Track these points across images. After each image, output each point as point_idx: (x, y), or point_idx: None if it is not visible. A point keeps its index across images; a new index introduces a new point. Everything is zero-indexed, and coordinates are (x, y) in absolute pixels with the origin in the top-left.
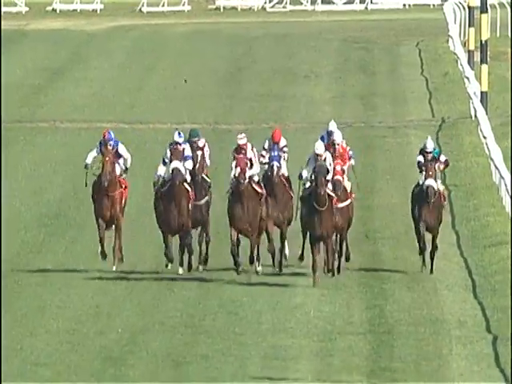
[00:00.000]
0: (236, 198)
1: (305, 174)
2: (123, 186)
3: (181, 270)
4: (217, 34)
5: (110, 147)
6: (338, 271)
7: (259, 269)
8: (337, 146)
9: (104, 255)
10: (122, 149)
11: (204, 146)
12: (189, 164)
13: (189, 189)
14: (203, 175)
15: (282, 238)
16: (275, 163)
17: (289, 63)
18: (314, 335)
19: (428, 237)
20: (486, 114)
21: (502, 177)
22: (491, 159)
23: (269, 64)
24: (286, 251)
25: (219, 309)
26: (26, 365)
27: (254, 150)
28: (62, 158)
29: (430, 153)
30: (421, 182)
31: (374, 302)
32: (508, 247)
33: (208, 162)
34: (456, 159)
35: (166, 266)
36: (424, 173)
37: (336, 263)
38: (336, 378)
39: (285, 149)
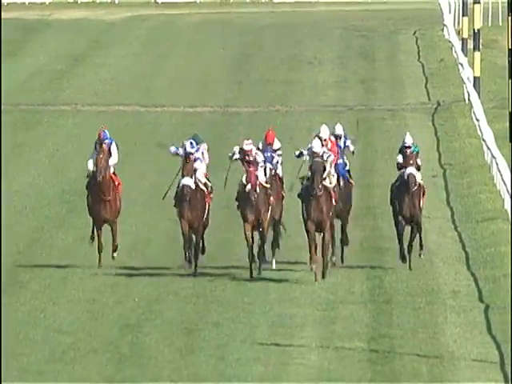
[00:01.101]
0: (246, 203)
1: (305, 153)
2: (116, 184)
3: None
4: (227, 23)
5: (104, 145)
6: (342, 261)
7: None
8: (323, 142)
9: (100, 251)
10: (114, 148)
11: (202, 152)
12: (198, 165)
13: (205, 189)
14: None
15: (276, 236)
16: (268, 165)
17: (294, 50)
18: (318, 304)
19: (408, 229)
20: (479, 97)
21: (493, 156)
22: (483, 140)
23: (275, 51)
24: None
25: (229, 281)
26: (49, 332)
27: (258, 152)
28: (83, 138)
29: (409, 147)
30: (401, 174)
31: (373, 273)
32: (498, 222)
33: (206, 162)
34: (450, 140)
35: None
36: (405, 164)
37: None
38: (338, 345)
39: (279, 152)
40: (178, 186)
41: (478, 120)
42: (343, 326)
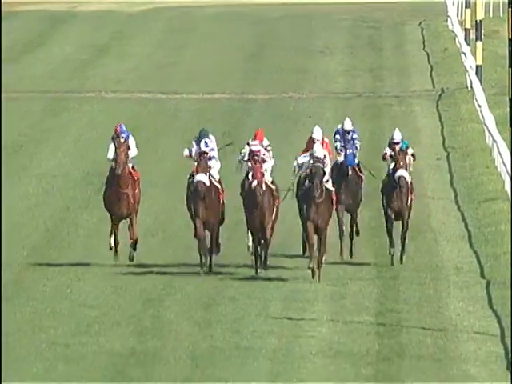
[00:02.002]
0: (252, 204)
1: (300, 160)
2: (135, 178)
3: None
4: (242, 14)
5: (122, 139)
6: (351, 255)
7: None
8: (317, 142)
9: (116, 246)
10: (131, 142)
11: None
12: (213, 163)
13: (219, 186)
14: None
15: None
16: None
17: (306, 40)
18: (328, 280)
19: (398, 225)
20: (481, 85)
21: (494, 140)
22: (485, 125)
23: (288, 41)
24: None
25: (245, 258)
26: (75, 306)
27: (269, 147)
28: (107, 124)
29: (398, 143)
30: (391, 173)
31: (381, 251)
32: (499, 203)
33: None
34: (454, 125)
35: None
36: (395, 163)
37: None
38: (348, 318)
39: (269, 147)
40: (191, 185)
41: (479, 106)
42: (352, 300)
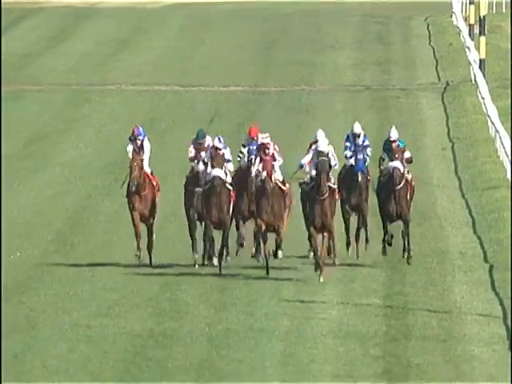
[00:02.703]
0: (261, 197)
1: (304, 161)
2: (154, 184)
3: (215, 261)
4: (255, 11)
5: (138, 153)
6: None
7: (280, 255)
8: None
9: (138, 255)
10: (146, 143)
11: (208, 145)
12: (230, 166)
13: (230, 188)
14: None
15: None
16: (253, 157)
17: (316, 35)
18: (339, 265)
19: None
20: (484, 78)
21: (497, 131)
22: (488, 116)
23: (300, 36)
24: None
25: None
26: (95, 289)
27: (276, 146)
28: (127, 115)
29: (394, 141)
30: (388, 169)
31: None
32: (501, 190)
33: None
34: (458, 116)
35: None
36: (391, 157)
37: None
38: (357, 301)
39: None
40: (205, 181)
41: (483, 98)
42: (361, 284)
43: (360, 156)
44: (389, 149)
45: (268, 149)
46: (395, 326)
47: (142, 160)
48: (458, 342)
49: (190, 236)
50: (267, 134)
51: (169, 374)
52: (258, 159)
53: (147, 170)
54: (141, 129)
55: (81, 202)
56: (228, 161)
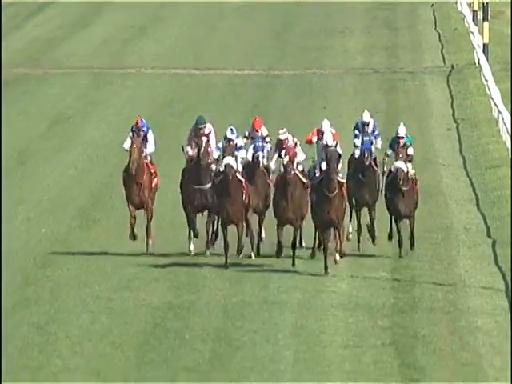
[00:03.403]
0: (281, 188)
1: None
2: (152, 171)
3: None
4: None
5: (138, 136)
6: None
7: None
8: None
9: (133, 237)
10: (150, 135)
11: (210, 132)
12: (242, 153)
13: (242, 179)
14: (209, 161)
15: (260, 225)
16: (260, 153)
17: (328, 21)
18: (349, 242)
19: (406, 223)
20: (487, 61)
21: (499, 112)
22: (491, 98)
23: (312, 22)
24: (263, 235)
25: (271, 223)
26: (116, 264)
27: (297, 141)
28: (146, 97)
29: (402, 138)
30: (392, 169)
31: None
32: (504, 169)
33: (214, 146)
34: (463, 98)
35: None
36: (395, 156)
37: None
38: (366, 275)
39: (267, 139)
40: (216, 173)
41: (486, 81)
42: (370, 258)
43: (367, 138)
44: (395, 145)
45: (285, 144)
46: (402, 298)
47: (140, 142)
48: (462, 314)
49: (188, 226)
50: (285, 130)
51: (186, 344)
52: (276, 155)
53: (147, 158)
54: (144, 121)
55: (103, 179)
56: (239, 148)
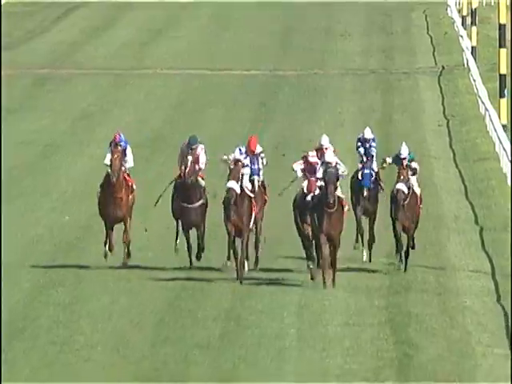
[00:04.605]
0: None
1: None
2: (130, 185)
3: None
4: (274, 3)
5: (119, 147)
6: (370, 259)
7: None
8: (325, 150)
9: (110, 250)
10: (128, 151)
11: (199, 153)
12: (247, 170)
13: (251, 195)
14: (198, 178)
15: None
16: (256, 177)
17: (329, 24)
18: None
19: (404, 236)
20: (475, 62)
21: (486, 109)
22: (479, 96)
23: (314, 25)
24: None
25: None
26: (134, 249)
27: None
28: (162, 95)
29: (405, 158)
30: (394, 190)
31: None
32: (491, 162)
33: (202, 166)
34: (452, 96)
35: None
36: (397, 176)
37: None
38: (364, 260)
39: (262, 154)
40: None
41: (474, 80)
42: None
43: (367, 171)
44: (397, 162)
45: (315, 167)
46: (397, 280)
47: (121, 152)
48: (451, 295)
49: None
50: (314, 153)
51: (198, 322)
52: (306, 181)
53: (126, 171)
54: (123, 136)
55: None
56: (244, 166)
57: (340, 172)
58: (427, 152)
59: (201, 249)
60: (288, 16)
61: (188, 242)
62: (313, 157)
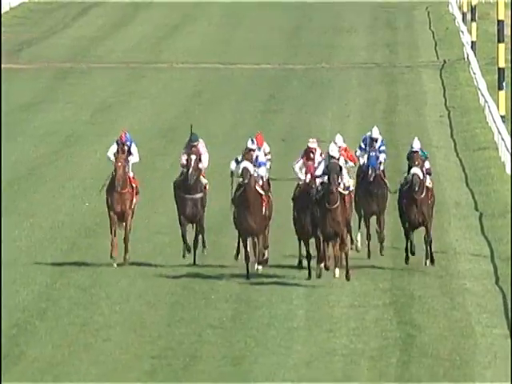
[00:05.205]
0: (303, 204)
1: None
2: (134, 186)
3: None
4: (283, 3)
5: (125, 148)
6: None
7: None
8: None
9: (113, 256)
10: (134, 149)
11: (202, 151)
12: (262, 170)
13: (262, 193)
14: (200, 176)
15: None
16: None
17: (335, 22)
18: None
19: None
20: (475, 56)
21: (486, 101)
22: (478, 89)
23: (321, 22)
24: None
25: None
26: (151, 234)
27: (323, 155)
28: (177, 88)
29: (416, 152)
30: (408, 176)
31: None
32: (490, 151)
33: (206, 164)
34: (453, 89)
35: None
36: (409, 164)
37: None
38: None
39: (268, 156)
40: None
41: (474, 73)
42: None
43: (373, 153)
44: (411, 159)
45: (313, 153)
46: (400, 263)
47: (125, 159)
48: (452, 278)
49: (182, 238)
50: (315, 140)
51: (211, 304)
52: (301, 162)
53: (130, 173)
54: (129, 135)
55: (140, 161)
56: (260, 163)
57: (344, 165)
58: (429, 142)
59: (201, 243)
60: (297, 14)
61: (184, 236)
62: (312, 143)
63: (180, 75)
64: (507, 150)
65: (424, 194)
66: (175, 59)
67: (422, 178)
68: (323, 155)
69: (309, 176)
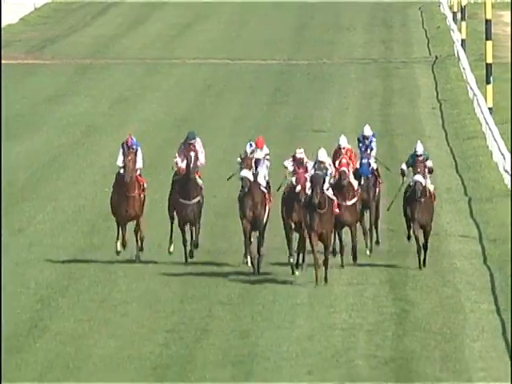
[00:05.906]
0: (292, 205)
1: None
2: (142, 185)
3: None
4: (288, 2)
5: (132, 150)
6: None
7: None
8: (343, 150)
9: (124, 246)
10: (139, 153)
11: (199, 149)
12: (263, 170)
13: (265, 191)
14: (196, 177)
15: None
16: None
17: (336, 19)
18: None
19: (421, 233)
20: (465, 53)
21: (474, 94)
22: (468, 83)
23: (323, 20)
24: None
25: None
26: (165, 217)
27: (310, 163)
28: (189, 83)
29: (421, 155)
30: (411, 182)
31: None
32: (478, 140)
33: (203, 161)
34: (445, 83)
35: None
36: (414, 170)
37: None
38: (366, 227)
39: (267, 157)
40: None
41: (464, 69)
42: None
43: (365, 160)
44: (413, 163)
45: (301, 162)
46: (396, 245)
47: (134, 154)
48: (444, 257)
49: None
50: (302, 150)
51: (220, 282)
52: (291, 161)
53: (137, 172)
54: (134, 139)
55: (155, 150)
56: (259, 162)
57: (328, 172)
58: (422, 132)
59: (194, 245)
60: (300, 13)
61: (184, 237)
62: (300, 153)
63: (191, 70)
64: (494, 139)
65: (427, 198)
66: (187, 55)
67: (423, 184)
68: (310, 163)
69: (299, 187)
